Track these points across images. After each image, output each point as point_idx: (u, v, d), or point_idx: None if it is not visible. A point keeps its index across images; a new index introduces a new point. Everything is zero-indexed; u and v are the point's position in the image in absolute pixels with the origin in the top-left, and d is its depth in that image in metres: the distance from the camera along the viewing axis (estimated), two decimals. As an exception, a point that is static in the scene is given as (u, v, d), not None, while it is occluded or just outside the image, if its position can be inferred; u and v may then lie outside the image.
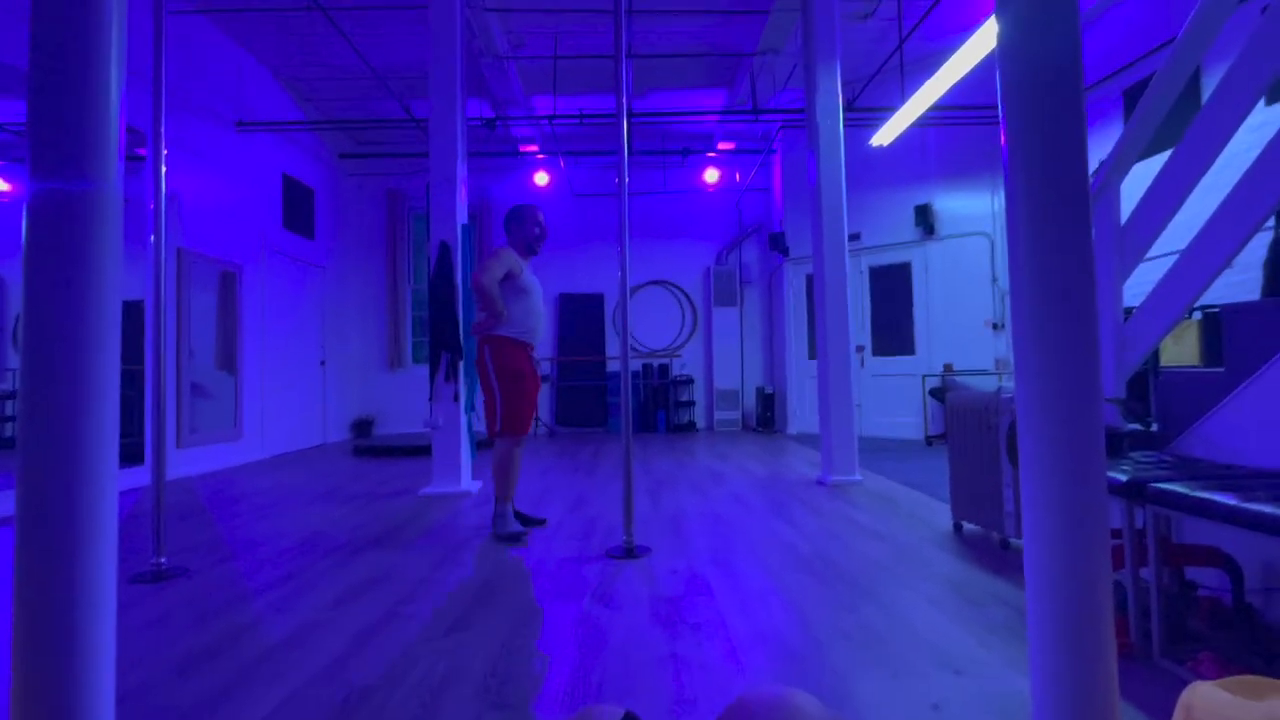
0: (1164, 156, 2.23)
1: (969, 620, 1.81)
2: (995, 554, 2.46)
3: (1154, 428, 2.05)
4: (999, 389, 2.53)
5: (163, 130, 2.60)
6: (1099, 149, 4.97)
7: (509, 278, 3.02)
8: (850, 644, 1.68)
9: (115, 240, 0.98)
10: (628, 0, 5.10)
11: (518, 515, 3.10)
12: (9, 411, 5.94)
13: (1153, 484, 1.45)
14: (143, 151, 4.41)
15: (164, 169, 2.61)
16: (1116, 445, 2.01)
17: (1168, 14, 4.55)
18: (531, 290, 3.10)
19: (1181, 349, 3.53)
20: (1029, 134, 0.76)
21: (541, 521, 3.12)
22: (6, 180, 6.61)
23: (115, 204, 0.99)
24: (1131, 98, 4.81)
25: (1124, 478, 1.53)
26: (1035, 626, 0.71)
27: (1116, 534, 1.63)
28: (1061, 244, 0.71)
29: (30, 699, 0.68)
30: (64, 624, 0.71)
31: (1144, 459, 1.83)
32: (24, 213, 0.94)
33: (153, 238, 2.60)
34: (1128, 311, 2.25)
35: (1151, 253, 2.21)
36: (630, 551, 2.55)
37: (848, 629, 1.77)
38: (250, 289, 5.86)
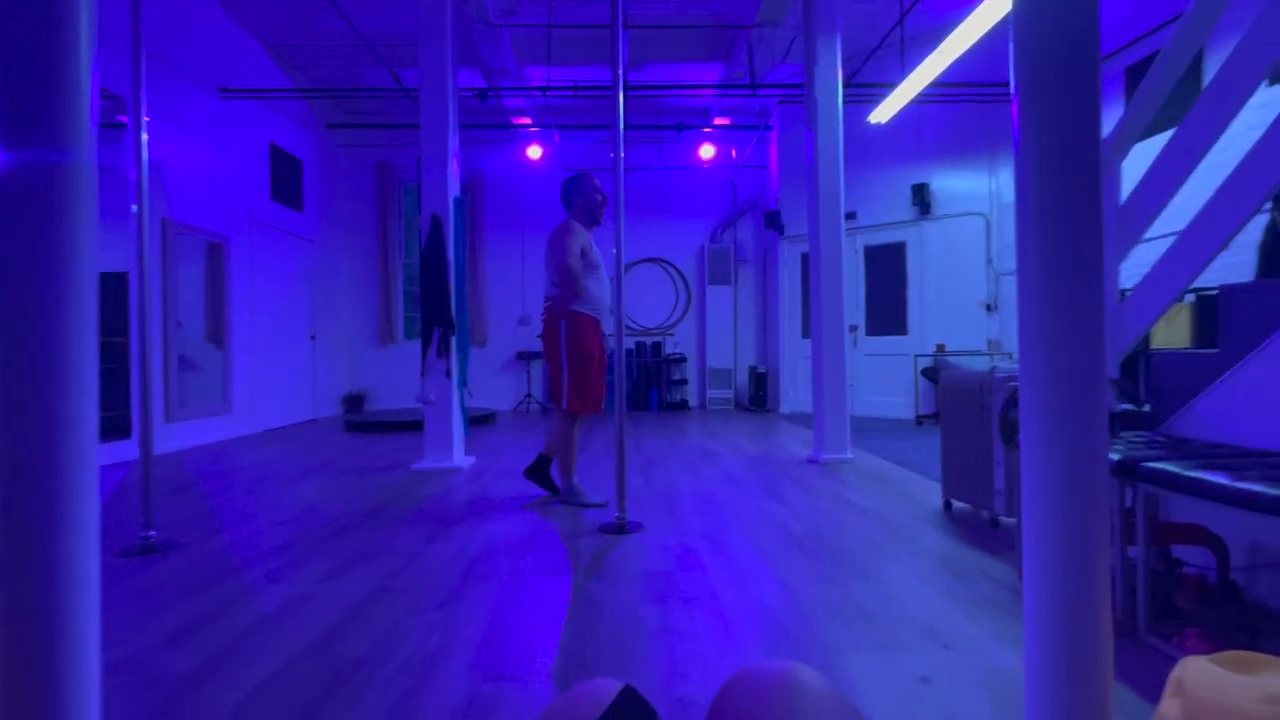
0: (1165, 136, 2.21)
1: (958, 596, 1.83)
2: (985, 531, 2.49)
3: (1146, 408, 2.06)
4: (992, 369, 2.54)
5: (143, 96, 2.52)
6: (1105, 129, 4.93)
7: (581, 252, 2.95)
8: (840, 619, 1.69)
9: (90, 214, 0.93)
10: (624, -32, 4.96)
11: (550, 478, 3.21)
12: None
13: (1145, 463, 1.46)
14: (123, 118, 4.29)
15: (145, 137, 2.54)
16: (1109, 425, 2.02)
17: (1172, -9, 4.49)
18: (600, 263, 3.05)
19: (1172, 331, 3.54)
20: (1042, 103, 0.74)
21: (557, 491, 3.19)
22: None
23: (89, 175, 0.94)
24: (1134, 76, 4.76)
25: (1117, 456, 1.54)
26: (1031, 603, 0.71)
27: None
28: (1072, 216, 0.69)
29: (12, 670, 0.67)
30: (46, 597, 0.70)
31: (1135, 439, 1.84)
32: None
33: (135, 208, 2.54)
34: (1123, 293, 2.24)
35: (1148, 234, 2.20)
36: (623, 527, 2.56)
37: (838, 604, 1.79)
38: (238, 261, 5.76)
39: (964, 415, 2.70)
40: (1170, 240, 2.02)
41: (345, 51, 6.39)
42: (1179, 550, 1.76)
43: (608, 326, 3.10)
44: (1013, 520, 2.52)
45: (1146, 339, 3.61)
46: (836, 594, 1.87)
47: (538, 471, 3.20)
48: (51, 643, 0.69)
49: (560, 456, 3.07)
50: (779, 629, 1.64)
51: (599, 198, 3.09)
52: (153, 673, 1.43)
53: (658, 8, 5.72)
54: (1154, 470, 1.43)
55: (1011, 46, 0.80)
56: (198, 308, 5.33)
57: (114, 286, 4.47)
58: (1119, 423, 2.06)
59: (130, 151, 2.55)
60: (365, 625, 1.68)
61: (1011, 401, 2.31)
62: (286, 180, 6.65)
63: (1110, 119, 4.91)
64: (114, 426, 4.46)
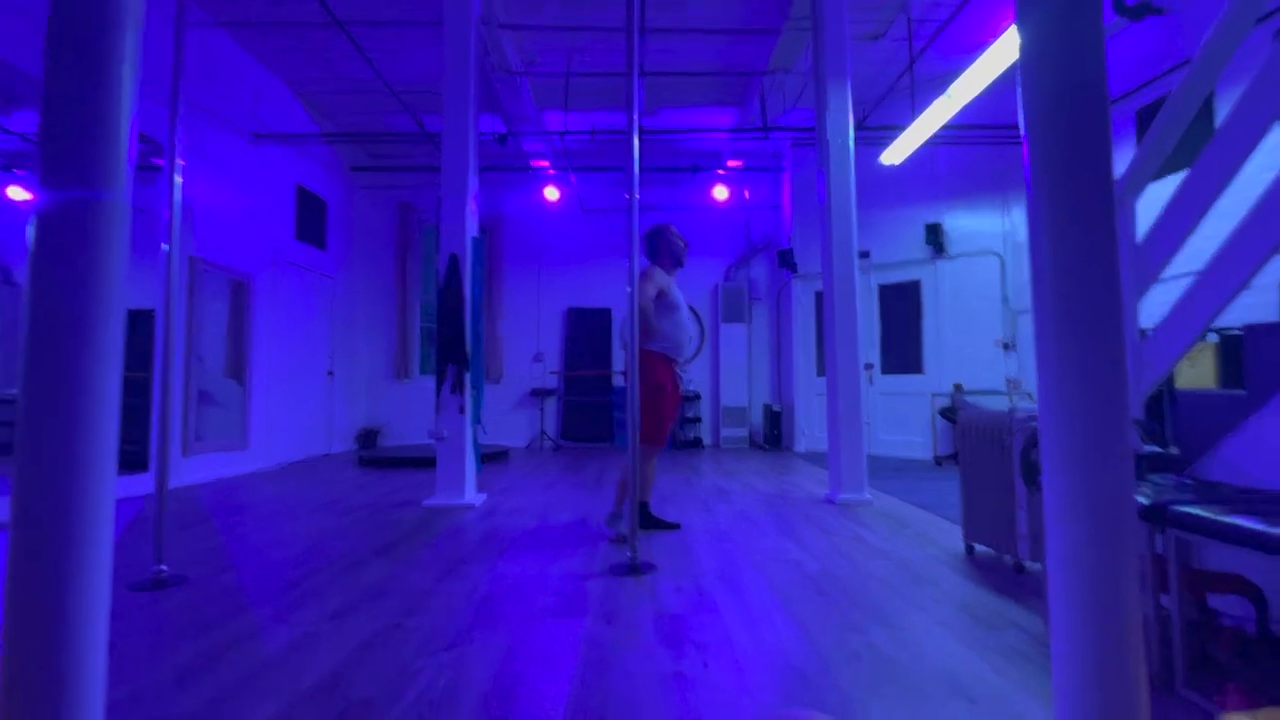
0: (1178, 178, 2.21)
1: (982, 645, 1.76)
2: (1009, 577, 2.41)
3: (1173, 450, 2.01)
4: (1012, 409, 2.49)
5: (178, 140, 2.63)
6: (1117, 170, 4.96)
7: (660, 295, 3.13)
8: (859, 666, 1.63)
9: (122, 249, 0.97)
10: (641, 19, 5.17)
11: (652, 518, 3.25)
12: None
13: (1174, 507, 1.41)
14: (159, 161, 4.48)
15: (179, 179, 2.64)
16: (1135, 467, 1.96)
17: (1181, 36, 4.56)
18: (680, 305, 3.22)
19: (1197, 371, 3.47)
20: (1052, 148, 0.75)
21: (675, 525, 3.24)
22: (24, 188, 6.73)
23: (123, 213, 0.98)
24: (1145, 118, 4.80)
25: (1145, 501, 1.49)
26: (1060, 653, 0.68)
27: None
28: (1087, 258, 0.69)
29: (17, 705, 0.66)
30: (55, 629, 0.69)
31: (1163, 482, 1.79)
32: (32, 220, 0.94)
33: (165, 246, 2.62)
34: (1143, 332, 2.21)
35: (1166, 274, 2.18)
36: (635, 568, 2.51)
37: (857, 650, 1.73)
38: (261, 298, 5.90)
39: (984, 456, 2.65)
40: (1189, 279, 2.01)
41: (371, 98, 6.65)
42: (1215, 600, 1.69)
43: (686, 365, 3.33)
44: (1038, 566, 2.44)
45: (1170, 379, 3.54)
46: (856, 640, 1.81)
47: (645, 520, 3.19)
48: (58, 676, 0.68)
49: (622, 482, 3.11)
50: (797, 676, 1.59)
51: (681, 244, 3.33)
52: (156, 714, 1.40)
53: (673, 56, 5.91)
54: (1184, 515, 1.38)
55: (1019, 94, 0.81)
56: (220, 343, 5.44)
57: (140, 322, 4.58)
58: (1145, 465, 2.00)
59: (164, 193, 2.65)
60: (373, 665, 1.65)
61: (1033, 442, 2.26)
62: (311, 220, 6.86)
63: (1123, 161, 4.94)
64: (133, 460, 4.51)
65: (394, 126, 7.27)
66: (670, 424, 3.19)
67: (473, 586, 2.35)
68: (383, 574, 2.51)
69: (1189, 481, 1.78)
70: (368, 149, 7.87)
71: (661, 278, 3.18)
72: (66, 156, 0.96)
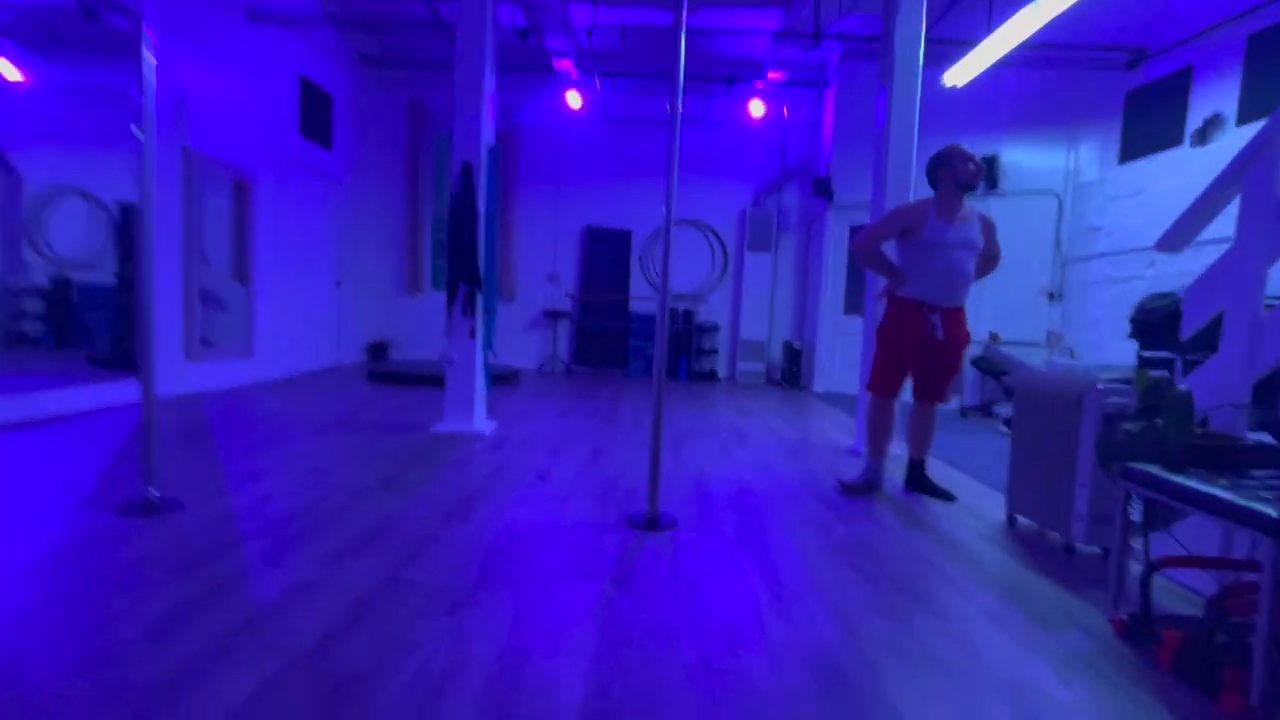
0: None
1: (1042, 648, 1.58)
2: (1059, 559, 2.22)
3: (1291, 445, 1.75)
4: (1093, 380, 2.22)
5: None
6: (1217, 102, 4.39)
7: (906, 234, 2.86)
8: (906, 666, 1.46)
9: None
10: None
11: (928, 483, 2.99)
12: (30, 308, 5.80)
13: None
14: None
15: (151, 53, 2.28)
16: (1234, 459, 1.71)
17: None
18: (937, 246, 2.80)
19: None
20: None
21: (950, 497, 2.90)
22: (18, 67, 6.24)
23: None
24: (1257, 44, 4.19)
25: (1275, 513, 1.24)
26: None
27: (1254, 566, 1.36)
28: None
29: None
30: None
31: (1276, 480, 1.54)
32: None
33: (136, 129, 2.29)
34: (1268, 305, 1.90)
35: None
36: (654, 523, 2.34)
37: (902, 645, 1.55)
38: (264, 199, 5.56)
39: (1044, 425, 2.40)
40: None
41: (381, -22, 6.00)
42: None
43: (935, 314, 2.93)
44: (1093, 548, 2.25)
45: None
46: (898, 630, 1.63)
47: (917, 480, 3.03)
48: None
49: (867, 434, 3.07)
50: (836, 674, 1.42)
51: (971, 166, 2.82)
52: (123, 678, 1.25)
53: (719, -57, 5.21)
54: (1340, 541, 1.14)
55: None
56: (224, 244, 5.16)
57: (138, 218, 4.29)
58: (1248, 457, 1.75)
59: (139, 65, 2.30)
60: (369, 630, 1.49)
61: (1113, 420, 2.00)
62: (316, 116, 6.38)
63: (1228, 93, 4.37)
64: (136, 363, 4.35)
65: (406, 14, 6.61)
66: (902, 376, 2.97)
67: (479, 532, 2.19)
68: (385, 511, 2.36)
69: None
70: (378, 39, 7.23)
71: (905, 215, 2.89)
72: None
